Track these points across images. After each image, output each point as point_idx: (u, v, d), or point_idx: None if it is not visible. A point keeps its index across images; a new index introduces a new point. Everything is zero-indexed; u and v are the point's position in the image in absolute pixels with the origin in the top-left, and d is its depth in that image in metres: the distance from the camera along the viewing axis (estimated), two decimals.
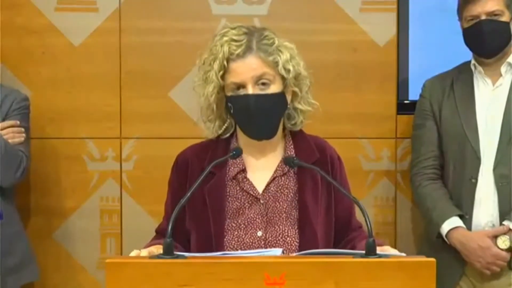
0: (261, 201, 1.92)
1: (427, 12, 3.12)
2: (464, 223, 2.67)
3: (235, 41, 1.88)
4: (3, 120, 2.71)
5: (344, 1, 3.13)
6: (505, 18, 2.66)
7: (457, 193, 2.72)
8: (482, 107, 2.72)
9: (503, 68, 2.72)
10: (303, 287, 1.52)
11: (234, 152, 1.90)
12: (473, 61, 2.77)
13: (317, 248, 1.88)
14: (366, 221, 1.63)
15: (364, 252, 1.58)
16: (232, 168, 1.95)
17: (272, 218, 1.91)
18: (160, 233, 2.00)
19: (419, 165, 2.81)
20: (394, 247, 1.79)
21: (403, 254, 1.68)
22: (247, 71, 1.87)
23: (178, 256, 1.56)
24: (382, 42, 3.15)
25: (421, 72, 3.02)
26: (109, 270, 1.53)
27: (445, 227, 2.67)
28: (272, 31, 1.95)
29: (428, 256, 1.60)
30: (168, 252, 1.56)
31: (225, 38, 1.89)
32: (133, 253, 1.74)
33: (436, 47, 3.09)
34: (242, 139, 1.97)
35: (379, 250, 1.61)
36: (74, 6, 3.08)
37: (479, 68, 2.74)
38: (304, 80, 1.97)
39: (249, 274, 1.52)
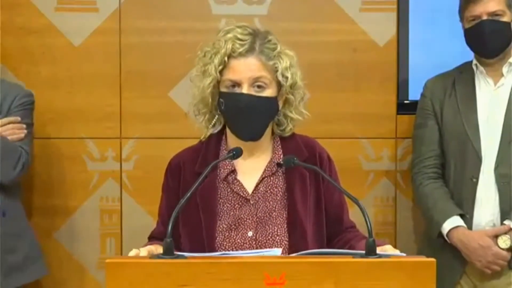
0: (251, 202, 1.94)
1: (427, 12, 3.12)
2: (465, 222, 2.67)
3: (240, 39, 1.90)
4: (6, 116, 2.71)
5: (344, 1, 3.13)
6: (506, 18, 2.66)
7: (458, 193, 2.72)
8: (483, 106, 2.72)
9: (504, 68, 2.72)
10: (303, 287, 1.52)
11: (234, 153, 1.90)
12: (474, 61, 2.78)
13: (307, 246, 1.89)
14: (366, 221, 1.63)
15: (364, 252, 1.58)
16: (223, 169, 1.97)
17: (262, 218, 1.92)
18: (155, 238, 1.99)
19: (420, 164, 2.81)
20: (394, 247, 1.79)
21: (403, 254, 1.69)
22: (246, 70, 1.89)
23: (178, 256, 1.56)
24: (382, 42, 3.15)
25: (421, 72, 3.02)
26: (109, 270, 1.54)
27: (446, 227, 2.67)
28: (275, 37, 1.97)
29: (428, 256, 1.61)
30: (168, 252, 1.56)
31: (230, 35, 1.91)
32: (132, 252, 1.75)
33: (436, 47, 3.08)
34: (232, 141, 1.99)
35: (379, 250, 1.62)
36: (74, 6, 3.08)
37: (481, 68, 2.74)
38: (298, 89, 1.99)
39: (249, 274, 1.52)
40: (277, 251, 1.76)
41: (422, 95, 2.87)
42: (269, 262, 1.58)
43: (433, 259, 1.56)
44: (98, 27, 3.09)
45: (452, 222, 2.66)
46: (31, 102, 2.82)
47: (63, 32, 3.09)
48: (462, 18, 2.74)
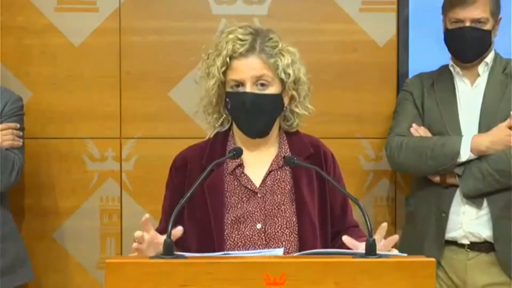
0: (259, 195, 1.96)
1: (427, 12, 3.12)
2: (442, 221, 2.67)
3: (240, 40, 1.93)
4: None
5: (344, 1, 3.13)
6: (488, 26, 2.69)
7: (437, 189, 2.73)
8: (461, 106, 2.75)
9: (480, 68, 2.76)
10: (303, 287, 1.52)
11: (234, 153, 1.92)
12: (451, 62, 2.81)
13: (316, 240, 1.92)
14: (366, 221, 1.64)
15: (364, 252, 1.59)
16: (230, 163, 1.99)
17: (270, 211, 1.95)
18: None
19: (397, 130, 2.77)
20: (394, 247, 1.79)
21: (404, 254, 1.69)
22: (248, 70, 1.92)
23: (178, 256, 1.57)
24: (382, 42, 3.15)
25: (421, 72, 3.02)
26: (109, 270, 1.54)
27: (464, 144, 2.62)
28: (278, 34, 2.00)
29: (428, 255, 1.61)
30: (168, 252, 1.56)
31: (231, 36, 1.94)
32: (139, 232, 1.76)
33: (436, 47, 3.08)
34: (239, 136, 2.02)
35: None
36: (74, 6, 3.08)
37: (457, 69, 2.78)
38: (303, 85, 2.02)
39: (249, 274, 1.52)
40: (278, 251, 1.77)
41: (402, 90, 2.88)
42: (269, 262, 1.58)
43: (433, 259, 1.56)
44: (98, 27, 3.09)
45: (466, 140, 2.63)
46: (22, 107, 2.83)
47: (63, 32, 3.09)
48: (445, 16, 2.76)
